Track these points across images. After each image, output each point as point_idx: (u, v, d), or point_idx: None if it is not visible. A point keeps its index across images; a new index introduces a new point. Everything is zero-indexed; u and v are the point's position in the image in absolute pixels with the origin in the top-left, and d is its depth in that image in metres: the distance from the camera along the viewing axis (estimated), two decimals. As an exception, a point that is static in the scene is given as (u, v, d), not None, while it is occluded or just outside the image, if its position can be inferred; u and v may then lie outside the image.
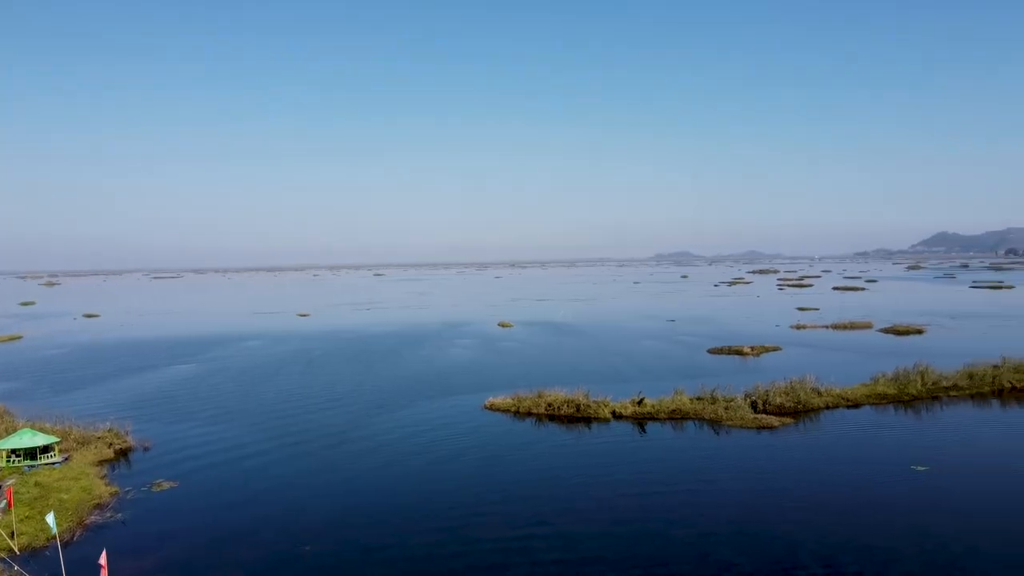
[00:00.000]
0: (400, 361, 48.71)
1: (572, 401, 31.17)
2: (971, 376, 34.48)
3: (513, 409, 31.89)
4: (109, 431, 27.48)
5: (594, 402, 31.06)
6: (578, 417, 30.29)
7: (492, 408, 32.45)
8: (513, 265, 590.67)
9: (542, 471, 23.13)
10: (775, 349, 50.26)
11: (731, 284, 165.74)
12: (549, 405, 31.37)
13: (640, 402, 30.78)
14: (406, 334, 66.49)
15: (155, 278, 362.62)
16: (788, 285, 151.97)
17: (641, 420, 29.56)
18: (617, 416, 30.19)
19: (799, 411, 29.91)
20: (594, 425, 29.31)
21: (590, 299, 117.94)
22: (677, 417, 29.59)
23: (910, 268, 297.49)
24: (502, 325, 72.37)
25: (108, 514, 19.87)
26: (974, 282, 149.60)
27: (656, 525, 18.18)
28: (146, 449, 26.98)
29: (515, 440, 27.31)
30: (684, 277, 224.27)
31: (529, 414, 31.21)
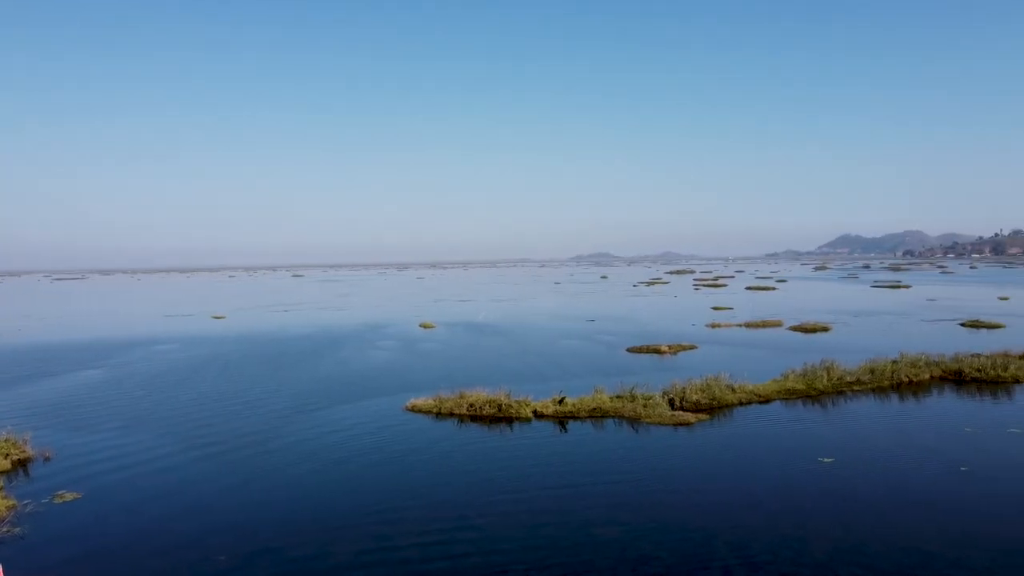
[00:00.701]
0: (319, 363, 47.78)
1: (494, 401, 31.22)
2: (872, 371, 36.18)
3: (435, 410, 31.72)
4: (5, 440, 25.76)
5: (516, 402, 31.19)
6: (500, 417, 30.36)
7: (414, 409, 32.19)
8: (435, 266, 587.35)
9: (464, 471, 23.10)
10: (691, 347, 51.57)
11: (649, 284, 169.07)
12: (471, 405, 31.33)
13: (561, 401, 31.11)
14: (325, 336, 65.26)
15: (57, 279, 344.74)
16: (704, 285, 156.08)
17: (562, 419, 29.86)
18: (539, 415, 30.41)
19: (714, 407, 30.77)
20: (516, 425, 29.44)
21: (511, 299, 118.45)
22: (597, 415, 30.00)
23: (817, 268, 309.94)
24: (424, 326, 71.88)
25: (4, 528, 18.73)
26: (875, 282, 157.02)
27: (577, 521, 18.41)
28: (47, 459, 25.57)
29: (437, 441, 27.17)
30: (604, 277, 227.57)
31: (451, 415, 31.09)
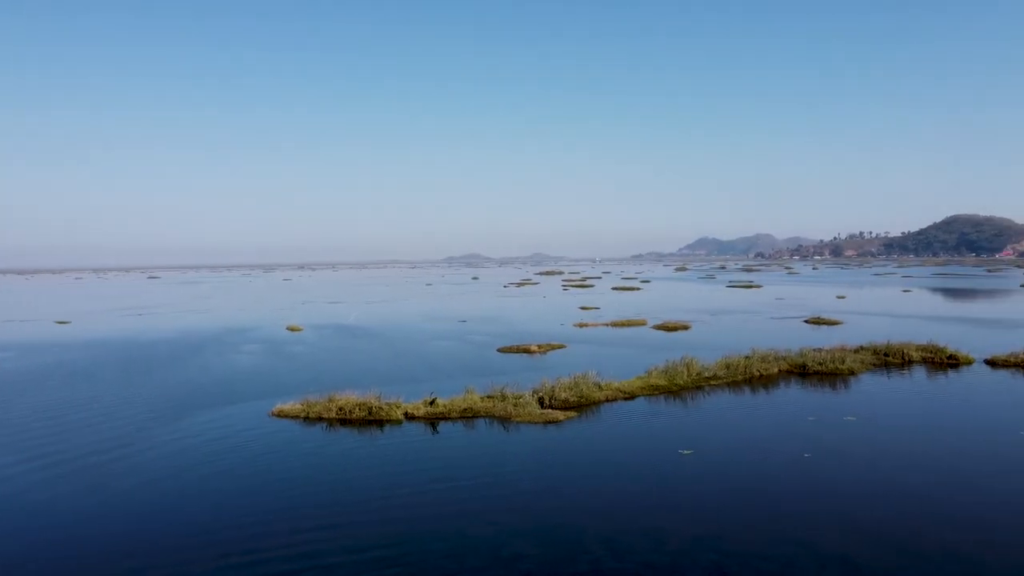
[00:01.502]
0: (178, 370, 45.31)
1: (364, 404, 30.74)
2: (728, 366, 38.30)
3: (303, 415, 30.85)
4: None
5: (387, 404, 30.83)
6: (371, 420, 29.91)
7: (280, 415, 31.17)
8: (303, 267, 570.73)
9: (333, 477, 22.61)
10: (560, 347, 52.73)
11: (520, 285, 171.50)
12: (340, 409, 30.69)
13: (432, 402, 31.04)
14: (184, 341, 61.93)
15: None
16: (572, 286, 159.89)
17: (434, 420, 29.79)
18: (410, 417, 30.20)
19: (582, 405, 31.60)
20: (387, 427, 29.10)
21: (382, 301, 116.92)
22: (469, 416, 30.14)
23: (678, 269, 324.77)
24: (291, 329, 69.67)
25: None
26: (730, 282, 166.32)
27: (450, 522, 18.44)
28: None
29: (305, 446, 26.44)
30: (475, 279, 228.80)
31: (320, 419, 30.34)
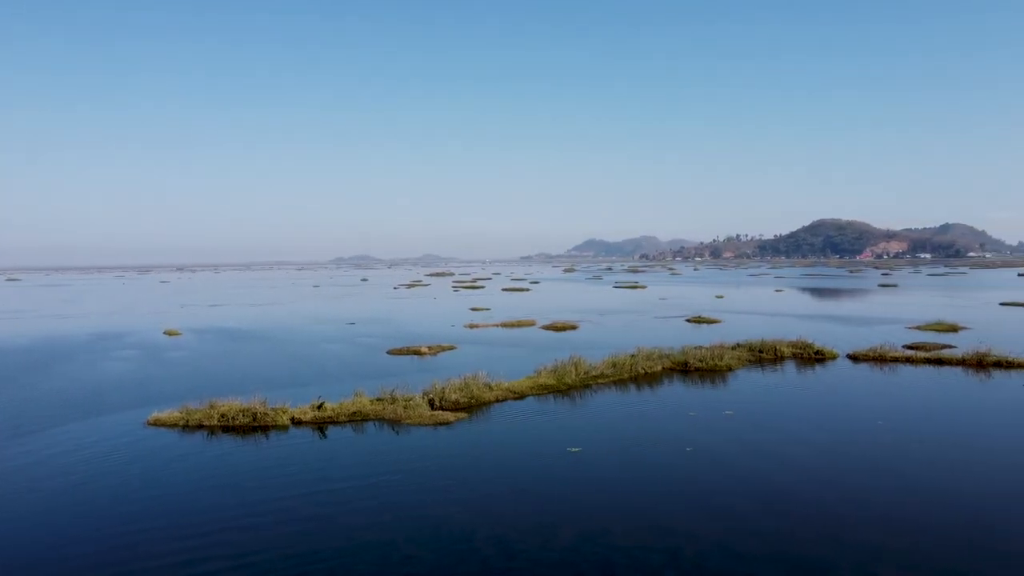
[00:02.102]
0: (41, 379, 42.34)
1: (248, 410, 29.71)
2: (614, 365, 39.40)
3: (182, 423, 29.49)
4: None
5: (272, 409, 29.95)
6: (255, 426, 28.97)
7: (157, 423, 29.68)
8: (181, 269, 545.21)
9: (216, 486, 21.75)
10: (451, 348, 52.72)
11: (410, 286, 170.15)
12: (223, 416, 29.54)
13: (320, 406, 30.38)
14: (49, 348, 57.86)
15: None
16: (463, 287, 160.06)
17: (321, 424, 29.17)
18: (296, 422, 29.46)
19: (472, 405, 31.74)
20: (272, 433, 28.25)
21: (268, 303, 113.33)
22: (358, 419, 29.68)
23: (566, 271, 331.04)
24: (169, 333, 66.44)
25: None
26: (616, 283, 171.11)
27: (339, 526, 18.11)
28: None
29: (184, 456, 25.28)
30: (364, 280, 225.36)
31: (200, 427, 29.10)
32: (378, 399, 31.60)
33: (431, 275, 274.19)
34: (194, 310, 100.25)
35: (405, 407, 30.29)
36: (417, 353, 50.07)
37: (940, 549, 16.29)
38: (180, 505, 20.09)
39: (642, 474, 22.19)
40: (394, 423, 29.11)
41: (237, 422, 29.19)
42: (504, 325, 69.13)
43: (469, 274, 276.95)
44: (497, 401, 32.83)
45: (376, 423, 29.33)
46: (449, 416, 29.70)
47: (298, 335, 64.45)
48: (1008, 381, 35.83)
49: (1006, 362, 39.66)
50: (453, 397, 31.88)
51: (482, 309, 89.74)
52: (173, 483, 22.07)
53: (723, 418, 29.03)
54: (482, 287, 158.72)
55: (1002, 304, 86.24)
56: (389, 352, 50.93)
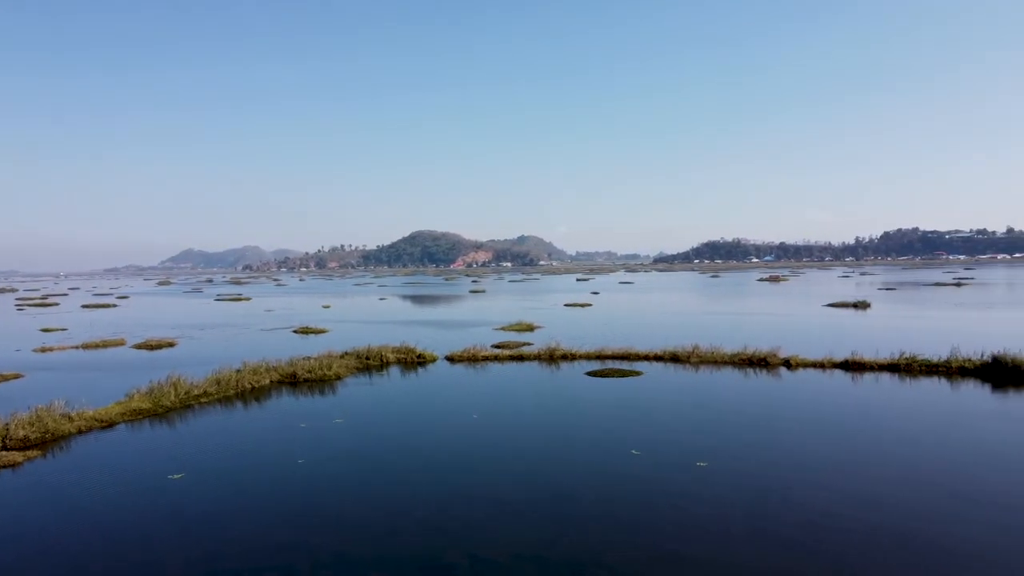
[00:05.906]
0: None
1: None
2: (218, 382, 37.34)
3: None
4: None
5: None
6: None
7: None
8: None
9: None
10: (16, 376, 45.02)
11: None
12: None
13: None
14: None
15: None
16: (30, 305, 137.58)
17: None
18: None
19: (47, 440, 27.56)
20: None
21: None
22: None
23: (161, 283, 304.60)
24: None
25: None
26: (218, 295, 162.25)
27: None
28: None
29: None
30: None
31: None
32: (-87, 446, 25.70)
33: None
34: None
35: (-46, 452, 25.09)
36: (-32, 386, 41.70)
37: (512, 527, 18.48)
38: None
39: (251, 489, 21.42)
40: (-62, 473, 23.91)
41: None
42: (86, 347, 61.10)
43: (39, 290, 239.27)
44: (80, 432, 28.95)
45: (-89, 475, 23.80)
46: (17, 456, 25.36)
47: None
48: (571, 369, 42.15)
49: (570, 355, 46.67)
50: (21, 433, 27.27)
51: (57, 329, 78.23)
52: None
53: (334, 426, 29.34)
54: (56, 304, 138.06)
55: (566, 305, 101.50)
56: (-72, 387, 41.66)
